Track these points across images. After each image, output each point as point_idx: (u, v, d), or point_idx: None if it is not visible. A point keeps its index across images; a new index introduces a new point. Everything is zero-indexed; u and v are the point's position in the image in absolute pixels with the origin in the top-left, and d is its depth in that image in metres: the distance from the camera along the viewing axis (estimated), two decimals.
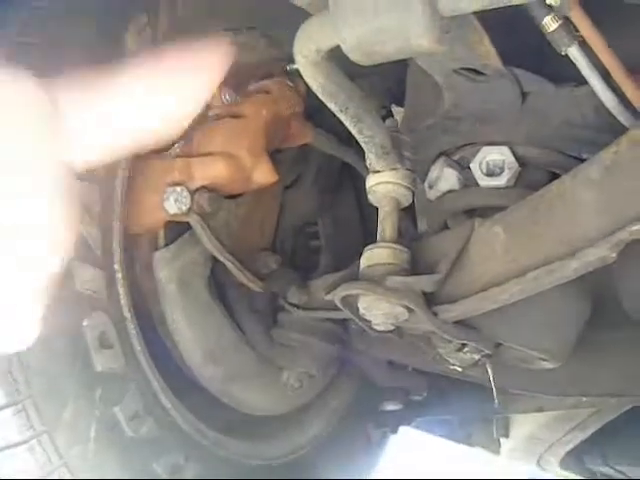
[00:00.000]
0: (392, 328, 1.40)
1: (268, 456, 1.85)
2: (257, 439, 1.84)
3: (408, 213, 1.73)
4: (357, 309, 1.37)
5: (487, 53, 1.27)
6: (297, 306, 1.76)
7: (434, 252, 1.35)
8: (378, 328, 1.40)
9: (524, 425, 2.26)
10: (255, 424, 1.87)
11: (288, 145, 1.87)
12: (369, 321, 1.39)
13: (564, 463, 2.35)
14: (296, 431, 1.99)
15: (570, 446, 2.25)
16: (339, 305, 1.39)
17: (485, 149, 1.43)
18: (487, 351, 1.41)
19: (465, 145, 1.48)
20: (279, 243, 2.00)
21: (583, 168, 1.15)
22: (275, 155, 1.75)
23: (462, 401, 2.19)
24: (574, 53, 1.19)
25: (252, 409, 1.87)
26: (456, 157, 1.49)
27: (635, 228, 1.05)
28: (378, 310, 1.32)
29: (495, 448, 2.37)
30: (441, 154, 1.52)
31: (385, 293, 1.28)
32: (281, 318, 1.86)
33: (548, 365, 1.46)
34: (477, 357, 1.45)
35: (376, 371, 2.11)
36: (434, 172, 1.51)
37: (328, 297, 1.39)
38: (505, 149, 1.41)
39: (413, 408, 2.28)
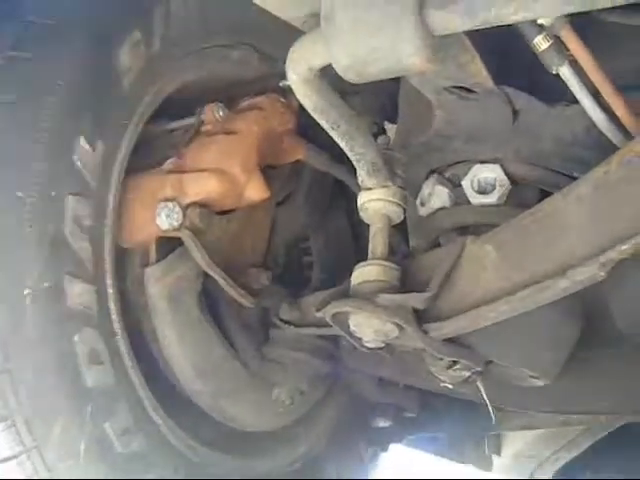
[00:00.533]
0: (382, 345, 1.40)
1: (258, 472, 1.84)
2: (248, 455, 1.83)
3: (400, 230, 1.73)
4: (348, 326, 1.37)
5: (478, 72, 1.28)
6: (288, 322, 1.76)
7: (425, 269, 1.35)
8: (369, 345, 1.40)
9: (515, 442, 2.26)
10: (246, 440, 1.86)
11: (280, 161, 1.87)
12: (360, 338, 1.39)
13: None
14: (287, 447, 1.98)
15: (561, 463, 2.24)
16: (330, 322, 1.39)
17: (476, 167, 1.43)
18: (477, 368, 1.41)
19: (457, 163, 1.48)
20: (271, 259, 1.99)
21: (574, 187, 1.16)
22: (267, 171, 1.75)
23: (454, 418, 2.18)
24: (565, 72, 1.20)
25: (243, 425, 1.86)
26: (448, 174, 1.50)
27: (625, 247, 1.06)
28: (369, 327, 1.32)
29: (487, 465, 2.36)
30: (433, 171, 1.52)
31: (375, 310, 1.28)
32: (272, 334, 1.86)
33: (539, 382, 1.46)
34: (467, 374, 1.45)
35: (367, 388, 2.11)
36: (426, 189, 1.52)
37: (319, 314, 1.39)
38: (496, 167, 1.41)
39: (404, 425, 2.27)
